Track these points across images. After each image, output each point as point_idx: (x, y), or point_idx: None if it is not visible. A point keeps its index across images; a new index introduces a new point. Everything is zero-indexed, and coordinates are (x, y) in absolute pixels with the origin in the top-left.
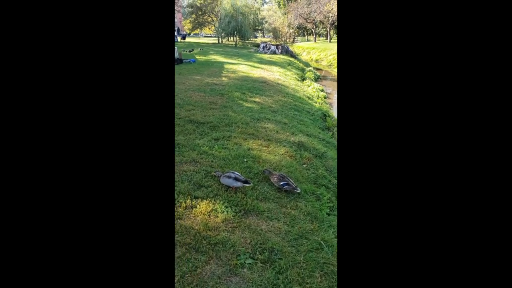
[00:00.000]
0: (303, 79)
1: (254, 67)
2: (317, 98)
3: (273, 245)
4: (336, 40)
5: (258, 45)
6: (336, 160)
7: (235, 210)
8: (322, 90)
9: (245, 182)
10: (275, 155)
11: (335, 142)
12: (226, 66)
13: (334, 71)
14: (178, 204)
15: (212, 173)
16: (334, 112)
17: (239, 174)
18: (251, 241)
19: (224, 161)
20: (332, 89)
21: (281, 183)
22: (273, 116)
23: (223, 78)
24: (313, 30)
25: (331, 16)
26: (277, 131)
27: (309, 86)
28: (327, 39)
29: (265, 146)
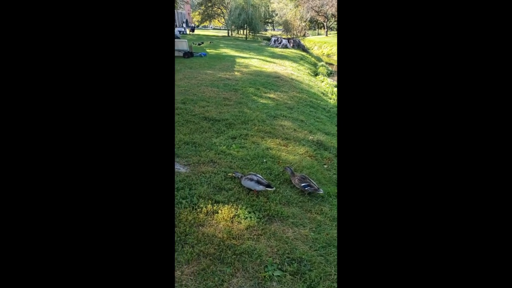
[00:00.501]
0: (316, 74)
1: (266, 61)
2: (332, 94)
3: (302, 254)
4: None
5: (268, 39)
6: None
7: (258, 215)
8: (336, 86)
9: (268, 186)
10: (294, 155)
11: None
12: (237, 60)
13: None
14: (198, 210)
15: (229, 174)
16: None
17: (261, 176)
18: (278, 250)
19: (243, 162)
20: None
21: (302, 184)
22: (289, 113)
23: (236, 73)
24: (325, 24)
25: None
26: (294, 129)
27: (322, 82)
28: None
29: (283, 146)
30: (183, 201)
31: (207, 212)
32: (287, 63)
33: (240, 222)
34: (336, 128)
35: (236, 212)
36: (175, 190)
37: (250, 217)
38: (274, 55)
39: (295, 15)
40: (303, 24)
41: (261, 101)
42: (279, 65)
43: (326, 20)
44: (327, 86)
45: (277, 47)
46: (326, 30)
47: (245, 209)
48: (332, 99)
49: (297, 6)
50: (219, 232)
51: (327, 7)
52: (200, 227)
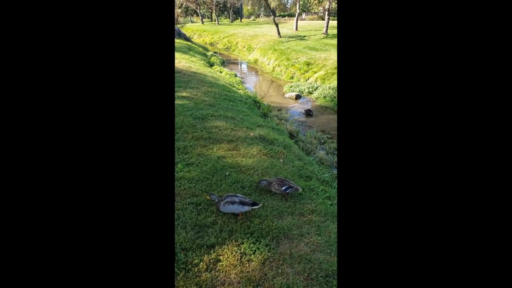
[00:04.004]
0: (210, 64)
1: None
2: (238, 84)
3: (330, 267)
4: (224, 23)
5: None
6: (296, 145)
7: (264, 242)
8: (236, 75)
9: (253, 204)
10: (250, 158)
11: (283, 128)
12: None
13: (232, 54)
14: (195, 268)
15: (207, 197)
16: (259, 97)
17: (242, 196)
18: (309, 275)
19: (204, 183)
20: (239, 72)
21: (283, 188)
22: (214, 111)
23: None
24: (198, 11)
25: None
26: (232, 129)
27: (221, 72)
28: (211, 20)
29: (233, 150)
30: None
31: (207, 266)
32: (177, 55)
33: (252, 260)
34: (261, 119)
35: (240, 250)
36: None
37: (258, 248)
38: None
39: None
40: (179, 10)
41: (176, 102)
42: None
43: (198, 7)
44: (229, 77)
45: None
46: (201, 18)
47: (247, 241)
48: (241, 89)
49: None
50: (238, 283)
51: None
52: None
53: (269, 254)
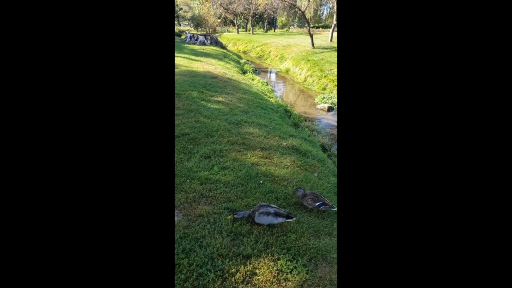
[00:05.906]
0: (244, 72)
1: (192, 59)
2: (269, 93)
3: None
4: (258, 32)
5: (178, 35)
6: (329, 159)
7: (302, 262)
8: (267, 84)
9: (287, 216)
10: (284, 168)
11: (315, 139)
12: None
13: (264, 63)
14: (232, 279)
15: (228, 217)
16: (289, 106)
17: (275, 206)
18: None
19: (239, 189)
20: (270, 81)
21: (317, 204)
22: (248, 118)
23: None
24: (235, 22)
25: (252, 8)
26: (264, 136)
27: (253, 80)
28: (246, 30)
29: (266, 158)
30: (204, 270)
31: (244, 278)
32: (213, 61)
33: (288, 279)
34: (292, 129)
35: (277, 265)
36: (182, 252)
37: (296, 268)
38: (197, 53)
39: (209, 11)
40: (218, 20)
41: (212, 106)
42: (207, 64)
43: (235, 18)
44: (261, 85)
45: (194, 43)
46: (237, 27)
47: (284, 256)
48: (272, 98)
49: (203, 2)
50: None
51: (235, 5)
52: None
53: (307, 276)
